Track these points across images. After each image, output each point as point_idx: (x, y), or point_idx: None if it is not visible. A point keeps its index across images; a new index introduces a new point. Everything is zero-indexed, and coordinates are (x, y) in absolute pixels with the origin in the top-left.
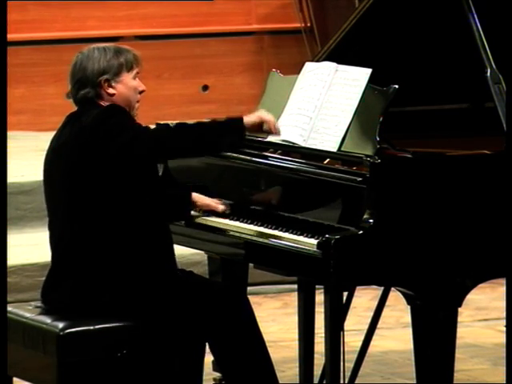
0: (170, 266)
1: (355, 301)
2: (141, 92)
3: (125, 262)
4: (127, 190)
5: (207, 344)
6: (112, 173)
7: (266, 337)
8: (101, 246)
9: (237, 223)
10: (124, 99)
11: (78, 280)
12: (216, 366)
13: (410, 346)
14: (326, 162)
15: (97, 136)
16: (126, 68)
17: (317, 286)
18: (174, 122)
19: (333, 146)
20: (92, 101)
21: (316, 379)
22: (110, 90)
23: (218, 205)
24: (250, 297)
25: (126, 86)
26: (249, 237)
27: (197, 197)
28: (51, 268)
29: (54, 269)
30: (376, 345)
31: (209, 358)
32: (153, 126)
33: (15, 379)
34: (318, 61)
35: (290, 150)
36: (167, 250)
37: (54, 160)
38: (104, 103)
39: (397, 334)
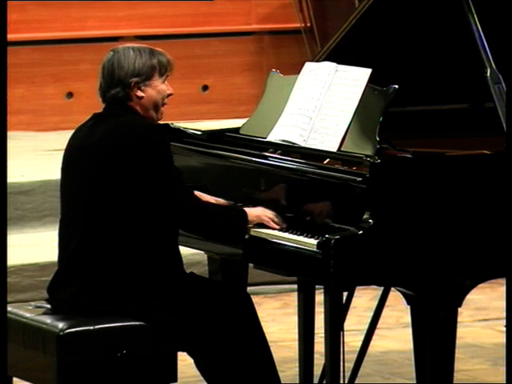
0: (178, 269)
1: (355, 301)
2: (168, 95)
3: (135, 264)
4: (147, 197)
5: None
6: (137, 185)
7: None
8: (114, 248)
9: None
10: (152, 102)
11: (86, 281)
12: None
13: (410, 345)
14: (325, 162)
15: (137, 156)
16: (159, 73)
17: (317, 286)
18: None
19: (333, 146)
20: (121, 102)
21: (316, 379)
22: (139, 93)
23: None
24: None
25: (154, 89)
26: (249, 237)
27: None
28: (60, 266)
29: (65, 266)
30: (376, 345)
31: None
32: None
33: (15, 379)
34: (317, 61)
35: (290, 149)
36: (175, 253)
37: (80, 157)
38: (134, 105)
39: (397, 333)
